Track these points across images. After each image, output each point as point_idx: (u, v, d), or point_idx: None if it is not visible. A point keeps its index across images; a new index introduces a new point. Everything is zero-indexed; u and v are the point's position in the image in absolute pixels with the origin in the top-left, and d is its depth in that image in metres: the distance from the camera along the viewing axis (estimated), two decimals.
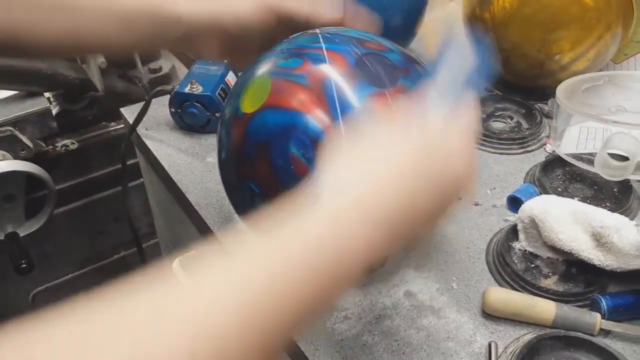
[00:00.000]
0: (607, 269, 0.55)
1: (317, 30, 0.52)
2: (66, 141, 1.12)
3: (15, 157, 0.92)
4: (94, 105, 1.14)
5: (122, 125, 1.17)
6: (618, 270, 0.55)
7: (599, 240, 0.56)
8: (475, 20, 0.81)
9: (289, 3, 0.53)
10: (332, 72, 0.47)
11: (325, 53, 0.49)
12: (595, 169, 0.65)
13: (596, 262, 0.56)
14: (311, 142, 0.46)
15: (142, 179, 1.02)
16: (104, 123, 1.18)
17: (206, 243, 0.72)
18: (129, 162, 0.89)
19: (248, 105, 0.49)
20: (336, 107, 0.46)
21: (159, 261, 1.17)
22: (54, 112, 1.05)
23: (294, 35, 0.54)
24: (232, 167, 0.52)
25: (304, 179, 0.47)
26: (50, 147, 1.08)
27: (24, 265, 0.85)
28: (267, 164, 0.48)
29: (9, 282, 1.14)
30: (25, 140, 0.93)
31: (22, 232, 0.90)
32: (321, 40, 0.50)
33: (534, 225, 0.60)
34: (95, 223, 1.23)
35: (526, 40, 0.77)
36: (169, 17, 0.52)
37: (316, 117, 0.46)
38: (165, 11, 0.52)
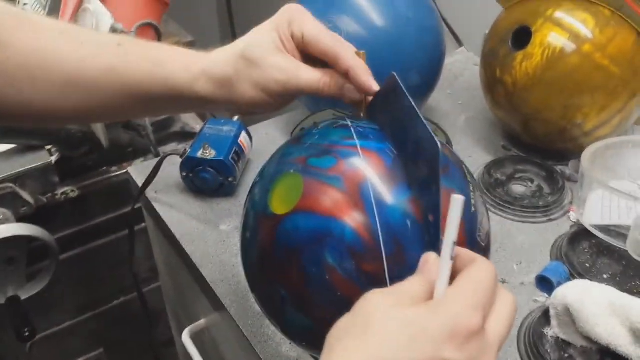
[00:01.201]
0: None
1: (349, 122, 0.49)
2: (66, 189, 1.08)
3: (16, 214, 0.88)
4: (95, 151, 1.10)
5: (124, 171, 1.14)
6: None
7: (638, 337, 0.53)
8: (495, 82, 0.79)
9: (304, 81, 0.48)
10: (369, 175, 0.45)
11: (360, 152, 0.46)
12: (629, 251, 0.64)
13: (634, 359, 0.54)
14: (348, 251, 0.43)
15: (144, 224, 0.99)
16: (105, 168, 1.15)
17: (217, 315, 0.69)
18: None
19: (278, 206, 0.47)
20: (374, 214, 0.44)
21: (159, 310, 1.15)
22: (53, 159, 1.01)
23: (324, 123, 0.52)
24: (260, 269, 0.49)
25: (338, 289, 0.45)
26: (50, 195, 1.05)
27: (27, 334, 0.81)
28: (298, 271, 0.45)
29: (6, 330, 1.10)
30: (26, 197, 0.89)
31: (24, 295, 0.87)
32: (354, 136, 0.48)
33: (567, 313, 0.58)
34: (95, 270, 1.19)
35: (548, 106, 0.75)
36: (190, 98, 0.50)
37: (353, 225, 0.44)
38: (184, 93, 0.50)
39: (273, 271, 0.47)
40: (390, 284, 0.43)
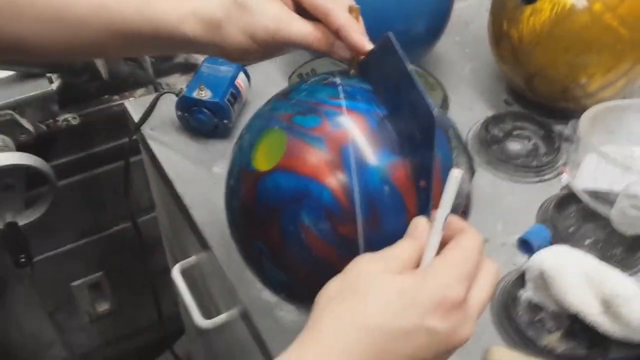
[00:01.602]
0: (612, 337, 0.55)
1: (338, 80, 0.49)
2: (67, 115, 1.08)
3: (15, 141, 0.89)
4: (96, 79, 1.10)
5: (127, 100, 1.14)
6: (623, 340, 0.54)
7: (608, 307, 0.55)
8: (501, 35, 0.76)
9: (294, 33, 0.47)
10: (351, 138, 0.45)
11: (345, 113, 0.46)
12: (612, 220, 0.64)
13: (601, 329, 0.55)
14: (324, 213, 0.44)
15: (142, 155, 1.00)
16: (106, 97, 1.14)
17: (205, 256, 0.71)
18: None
19: (261, 162, 0.47)
20: (353, 178, 0.44)
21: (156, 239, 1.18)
22: (54, 86, 1.01)
23: (314, 78, 0.51)
24: (241, 221, 0.50)
25: (313, 249, 0.46)
26: (51, 121, 1.05)
27: (23, 259, 0.84)
28: (277, 228, 0.46)
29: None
30: (25, 124, 0.90)
31: (22, 221, 0.89)
32: (341, 95, 0.47)
33: (543, 278, 0.59)
34: (95, 196, 1.22)
35: (553, 64, 0.73)
36: (176, 39, 0.49)
37: (331, 187, 0.44)
38: (171, 32, 0.49)
39: (253, 226, 0.48)
40: (365, 248, 0.44)
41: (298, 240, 0.45)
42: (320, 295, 0.37)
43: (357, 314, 0.34)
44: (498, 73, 0.89)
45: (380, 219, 0.44)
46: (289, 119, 0.47)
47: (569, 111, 0.80)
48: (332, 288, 0.37)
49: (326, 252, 0.45)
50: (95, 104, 1.12)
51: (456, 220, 0.39)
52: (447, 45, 0.94)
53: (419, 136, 0.42)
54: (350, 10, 0.47)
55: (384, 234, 0.44)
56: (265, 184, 0.46)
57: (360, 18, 0.48)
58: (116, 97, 1.15)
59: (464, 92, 0.87)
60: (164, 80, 1.15)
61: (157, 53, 0.92)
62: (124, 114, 0.88)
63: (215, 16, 0.47)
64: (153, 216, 1.25)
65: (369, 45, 0.47)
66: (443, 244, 0.38)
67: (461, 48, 0.96)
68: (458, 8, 0.85)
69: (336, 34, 0.47)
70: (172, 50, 0.57)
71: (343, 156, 0.44)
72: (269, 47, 0.49)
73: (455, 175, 0.37)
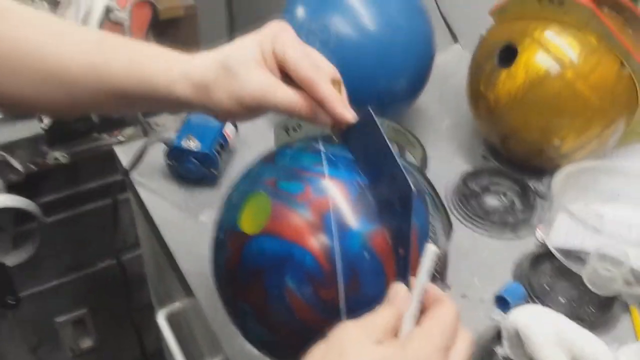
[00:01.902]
0: None
1: (322, 148, 0.51)
2: (56, 154, 1.10)
3: (4, 181, 0.90)
4: (86, 118, 1.12)
5: (115, 139, 1.16)
6: None
7: None
8: (478, 95, 0.80)
9: (279, 100, 0.48)
10: (333, 206, 0.47)
11: (328, 182, 0.48)
12: (584, 279, 0.67)
13: None
14: (306, 278, 0.46)
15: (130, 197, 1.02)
16: (95, 135, 1.16)
17: (189, 303, 0.73)
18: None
19: (247, 225, 0.49)
20: (334, 244, 0.46)
21: (140, 276, 1.18)
22: (44, 126, 1.03)
23: (298, 143, 0.53)
24: (226, 282, 0.52)
25: (295, 312, 0.48)
26: (40, 160, 1.06)
27: (10, 301, 0.85)
28: (261, 290, 0.48)
29: None
30: (16, 165, 0.91)
31: (9, 262, 0.90)
32: (324, 163, 0.49)
33: (518, 336, 0.61)
34: (81, 233, 1.22)
35: (527, 126, 0.76)
36: (167, 99, 0.51)
37: (314, 252, 0.46)
38: (162, 94, 0.51)
39: (238, 287, 0.50)
40: (346, 311, 0.46)
41: (282, 303, 0.47)
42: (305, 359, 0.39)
43: None
44: (476, 128, 0.92)
45: (360, 283, 0.46)
46: (274, 184, 0.49)
47: (544, 169, 0.84)
48: (317, 353, 0.39)
49: (308, 314, 0.47)
50: (84, 143, 1.14)
51: (434, 289, 0.41)
52: (426, 100, 0.98)
53: (398, 207, 0.45)
54: (333, 82, 0.50)
55: (364, 297, 0.46)
56: (251, 247, 0.48)
57: (343, 89, 0.51)
58: (105, 135, 1.18)
59: (443, 146, 0.91)
60: (152, 120, 1.17)
61: (149, 110, 0.93)
62: (112, 153, 0.90)
63: (205, 80, 0.49)
64: (137, 254, 1.25)
65: (350, 118, 0.49)
66: (421, 311, 0.40)
67: (440, 102, 0.99)
68: (438, 62, 0.88)
69: (319, 104, 0.49)
70: (164, 109, 0.59)
71: (325, 222, 0.46)
72: (255, 111, 0.51)
73: (432, 250, 0.40)
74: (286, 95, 0.49)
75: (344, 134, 0.52)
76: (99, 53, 0.50)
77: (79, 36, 0.51)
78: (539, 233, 0.77)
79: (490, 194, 0.82)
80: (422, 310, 0.40)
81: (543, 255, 0.73)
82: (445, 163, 0.87)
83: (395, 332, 0.40)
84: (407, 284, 0.42)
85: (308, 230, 0.46)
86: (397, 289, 0.42)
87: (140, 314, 1.14)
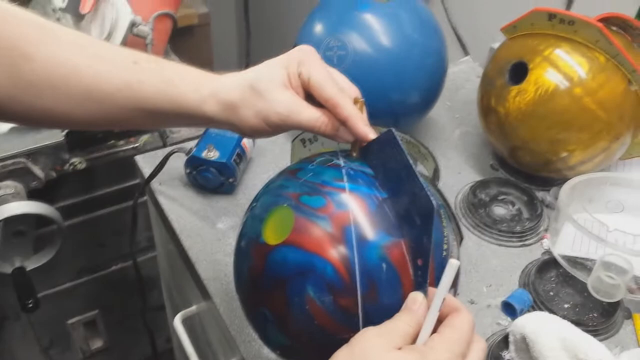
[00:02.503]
0: None
1: (342, 163, 0.54)
2: (75, 160, 1.13)
3: (26, 188, 0.93)
4: None
5: (132, 146, 1.19)
6: None
7: None
8: (489, 109, 0.83)
9: (304, 119, 0.52)
10: (353, 218, 0.50)
11: (348, 196, 0.51)
12: (588, 286, 0.69)
13: None
14: (327, 287, 0.49)
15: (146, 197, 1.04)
16: (112, 142, 1.19)
17: (206, 307, 0.75)
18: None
19: (270, 237, 0.52)
20: (354, 255, 0.49)
21: (153, 278, 1.21)
22: (63, 134, 1.06)
23: (319, 159, 0.56)
24: (248, 289, 0.54)
25: (315, 318, 0.51)
26: (60, 166, 1.09)
27: (30, 305, 0.88)
28: (283, 298, 0.50)
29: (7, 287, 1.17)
30: (37, 172, 0.94)
31: (30, 266, 0.93)
32: (345, 179, 0.52)
33: (524, 341, 0.64)
34: (96, 236, 1.26)
35: (536, 139, 0.79)
36: (197, 117, 0.54)
37: (334, 263, 0.49)
38: (193, 111, 0.54)
39: (260, 293, 0.53)
40: (363, 319, 0.49)
41: (302, 310, 0.50)
42: None
43: None
44: (485, 138, 0.95)
45: (378, 293, 0.49)
46: (296, 198, 0.52)
47: (551, 179, 0.87)
48: (340, 357, 0.42)
49: (327, 321, 0.49)
50: (101, 149, 1.17)
51: (451, 299, 0.44)
52: (438, 111, 1.01)
53: (418, 222, 0.48)
54: (355, 101, 0.53)
55: (381, 306, 0.49)
56: (274, 256, 0.51)
57: (365, 108, 0.54)
58: (121, 142, 1.21)
59: (453, 156, 0.93)
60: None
61: (179, 126, 0.97)
62: (129, 159, 0.93)
63: (233, 99, 0.52)
64: (149, 256, 1.29)
65: (372, 135, 0.52)
66: (439, 320, 0.43)
67: (451, 113, 1.02)
68: (448, 73, 0.91)
69: (342, 122, 0.52)
70: (193, 125, 0.62)
71: (345, 235, 0.49)
72: (279, 129, 0.54)
73: (455, 264, 0.42)
74: (311, 114, 0.52)
75: (362, 149, 0.55)
76: (134, 73, 0.53)
77: (114, 56, 0.54)
78: (546, 241, 0.80)
79: (498, 204, 0.85)
80: (440, 319, 0.43)
81: (549, 263, 0.76)
82: (456, 172, 0.90)
83: (413, 339, 0.43)
84: (425, 292, 0.45)
85: (329, 242, 0.49)
86: (416, 296, 0.45)
87: (151, 314, 1.18)
